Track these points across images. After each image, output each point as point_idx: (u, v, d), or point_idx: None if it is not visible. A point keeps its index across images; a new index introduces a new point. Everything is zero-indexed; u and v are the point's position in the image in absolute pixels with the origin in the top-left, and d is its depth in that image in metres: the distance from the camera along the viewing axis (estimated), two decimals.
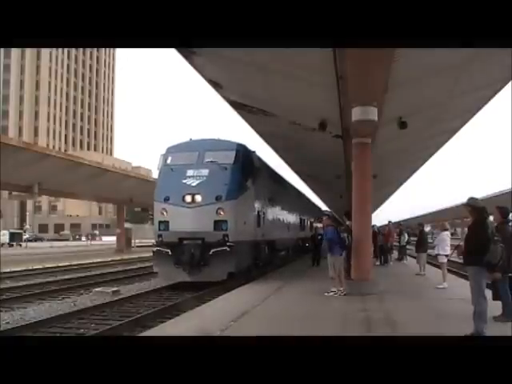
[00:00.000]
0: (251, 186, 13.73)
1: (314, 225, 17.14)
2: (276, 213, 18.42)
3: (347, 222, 11.84)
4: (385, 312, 7.88)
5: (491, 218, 6.86)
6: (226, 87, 11.22)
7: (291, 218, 22.97)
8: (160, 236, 12.71)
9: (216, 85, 10.98)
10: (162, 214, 12.68)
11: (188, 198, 12.29)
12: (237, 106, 12.41)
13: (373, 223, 14.87)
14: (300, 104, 11.26)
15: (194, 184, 12.47)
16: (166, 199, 12.62)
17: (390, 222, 20.94)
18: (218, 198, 12.21)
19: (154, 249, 12.90)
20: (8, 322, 8.89)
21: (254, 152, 14.29)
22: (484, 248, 5.74)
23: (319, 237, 17.56)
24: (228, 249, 11.96)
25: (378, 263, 17.99)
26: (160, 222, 12.77)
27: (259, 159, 15.26)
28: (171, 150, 14.09)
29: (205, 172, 12.66)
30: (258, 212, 14.64)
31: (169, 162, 13.60)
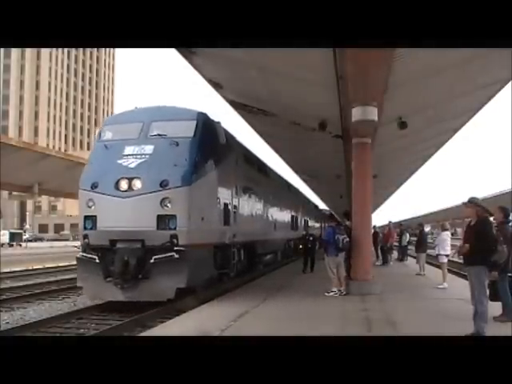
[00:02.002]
0: (214, 168, 10.05)
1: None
2: (256, 207, 14.79)
3: (347, 222, 11.83)
4: (385, 312, 7.87)
5: (491, 217, 6.86)
6: (226, 87, 11.23)
7: (279, 214, 19.38)
8: (86, 237, 9.32)
9: (216, 85, 10.99)
10: (89, 206, 9.28)
11: (123, 185, 8.93)
12: (237, 105, 12.41)
13: (373, 223, 14.88)
14: (300, 104, 11.26)
15: (132, 165, 9.12)
16: (94, 186, 9.19)
17: (390, 222, 20.91)
18: (163, 184, 8.79)
19: (78, 255, 9.56)
20: (8, 322, 8.89)
21: (218, 123, 10.64)
22: (492, 248, 5.75)
23: (311, 238, 16.22)
24: (176, 255, 8.55)
25: (378, 263, 17.98)
26: (86, 218, 9.37)
27: (230, 136, 11.79)
28: (109, 122, 11.09)
29: (149, 149, 9.32)
30: (226, 205, 11.02)
31: (104, 136, 10.24)
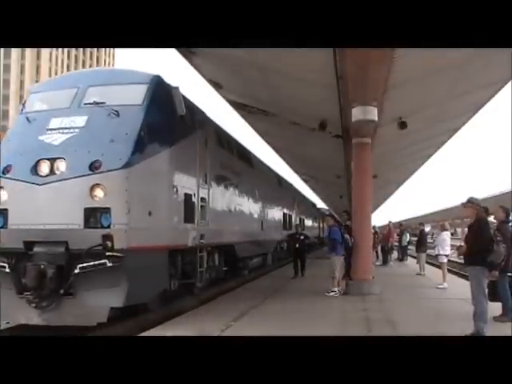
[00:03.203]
0: (169, 147, 7.75)
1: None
2: (236, 203, 12.19)
3: (347, 222, 11.83)
4: (385, 312, 7.87)
5: (491, 217, 6.88)
6: (226, 87, 11.23)
7: (268, 212, 16.69)
8: None
9: (216, 85, 11.00)
10: None
11: (44, 168, 6.68)
12: (237, 105, 12.42)
13: (373, 223, 14.87)
14: (300, 104, 11.26)
15: (56, 142, 6.86)
16: (6, 170, 6.90)
17: (390, 222, 20.91)
18: (94, 166, 6.57)
19: None
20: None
21: (176, 89, 8.01)
22: (488, 248, 5.76)
23: (301, 237, 14.46)
24: (109, 263, 6.33)
25: (378, 263, 17.98)
26: None
27: (195, 109, 9.38)
28: (36, 89, 8.44)
29: (81, 121, 7.06)
30: (189, 197, 8.53)
31: (28, 107, 7.84)
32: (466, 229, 6.62)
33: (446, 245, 11.88)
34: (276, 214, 18.63)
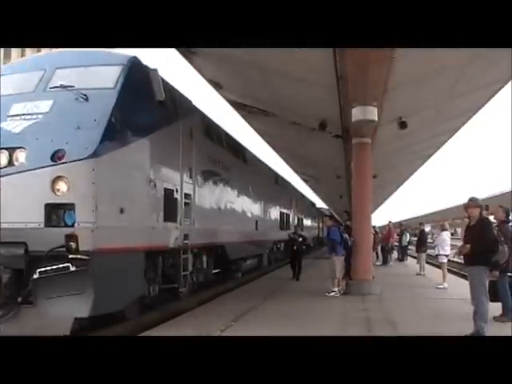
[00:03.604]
0: (146, 136, 7.06)
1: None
2: (227, 200, 11.39)
3: (347, 222, 11.83)
4: (385, 312, 7.88)
5: (491, 217, 6.87)
6: (226, 87, 11.23)
7: (263, 211, 15.87)
8: None
9: (216, 85, 11.00)
10: None
11: (2, 158, 5.98)
12: (237, 106, 12.43)
13: (373, 223, 14.88)
14: (300, 104, 11.26)
15: (17, 130, 6.18)
16: None
17: (390, 222, 20.91)
18: (56, 156, 5.83)
19: None
20: None
21: (155, 71, 7.30)
22: (493, 248, 5.75)
23: (299, 238, 13.72)
24: (73, 267, 5.59)
25: (378, 263, 17.99)
26: None
27: (179, 96, 8.60)
28: (3, 72, 7.55)
29: (45, 106, 6.36)
30: (170, 192, 7.83)
31: None
32: (465, 228, 6.59)
33: (446, 245, 11.88)
34: (272, 213, 17.75)
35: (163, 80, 7.62)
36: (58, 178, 5.78)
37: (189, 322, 7.01)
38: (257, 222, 14.73)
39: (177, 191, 8.08)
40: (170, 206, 7.73)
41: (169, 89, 7.96)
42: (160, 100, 7.32)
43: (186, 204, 8.43)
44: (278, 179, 19.83)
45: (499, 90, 10.84)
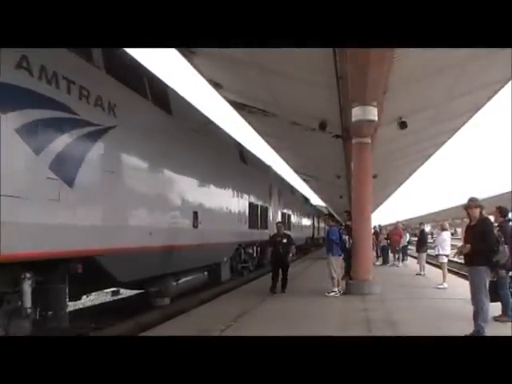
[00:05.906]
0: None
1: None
2: (110, 172, 6.12)
3: (347, 222, 11.83)
4: (385, 312, 7.87)
5: (491, 217, 6.87)
6: (226, 87, 11.24)
7: (210, 199, 10.31)
8: None
9: (216, 85, 11.01)
10: None
11: None
12: (237, 106, 12.43)
13: (374, 223, 14.89)
14: (300, 104, 11.27)
15: None
16: None
17: (397, 221, 20.79)
18: None
19: None
20: None
21: None
22: (494, 248, 5.75)
23: (283, 240, 10.61)
24: None
25: (378, 263, 17.99)
26: None
27: None
28: None
29: None
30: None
31: None
32: (465, 229, 6.58)
33: (446, 245, 11.88)
34: (232, 203, 12.11)
35: None
36: None
37: (189, 322, 7.02)
38: (196, 214, 9.31)
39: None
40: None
41: None
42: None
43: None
44: (244, 156, 13.85)
45: (499, 90, 10.85)
